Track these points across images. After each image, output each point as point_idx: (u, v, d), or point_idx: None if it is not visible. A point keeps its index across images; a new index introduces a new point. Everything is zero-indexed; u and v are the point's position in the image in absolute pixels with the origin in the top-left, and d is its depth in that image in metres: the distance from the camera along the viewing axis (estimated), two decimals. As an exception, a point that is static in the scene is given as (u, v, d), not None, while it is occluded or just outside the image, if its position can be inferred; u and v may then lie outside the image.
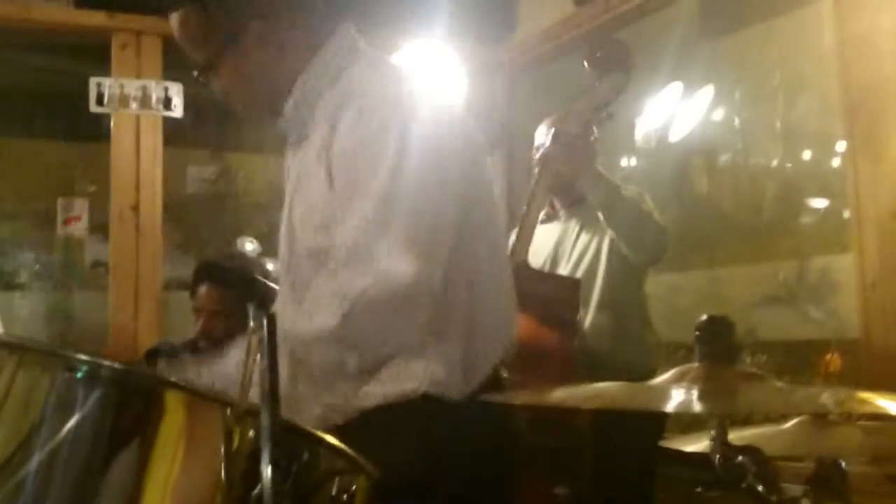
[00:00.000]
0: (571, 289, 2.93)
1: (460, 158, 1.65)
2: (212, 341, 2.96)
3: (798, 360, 3.40)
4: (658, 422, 2.82)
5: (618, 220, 2.90)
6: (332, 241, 1.56)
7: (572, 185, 3.02)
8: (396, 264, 1.49)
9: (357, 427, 1.51)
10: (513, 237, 2.99)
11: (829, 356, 3.20)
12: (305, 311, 1.56)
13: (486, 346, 1.67)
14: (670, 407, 1.38)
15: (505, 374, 1.69)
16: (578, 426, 2.72)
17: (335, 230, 1.56)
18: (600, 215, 2.93)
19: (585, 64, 3.02)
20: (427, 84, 1.74)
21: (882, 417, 1.88)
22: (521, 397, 1.63)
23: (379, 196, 1.52)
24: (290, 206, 1.73)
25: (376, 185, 1.53)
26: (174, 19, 1.73)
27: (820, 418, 1.70)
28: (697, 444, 1.64)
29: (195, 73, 1.76)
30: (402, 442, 1.49)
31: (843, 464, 1.65)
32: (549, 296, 2.87)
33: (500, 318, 1.72)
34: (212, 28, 1.71)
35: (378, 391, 1.56)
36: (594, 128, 3.09)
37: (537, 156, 3.07)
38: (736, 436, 1.56)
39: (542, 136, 3.16)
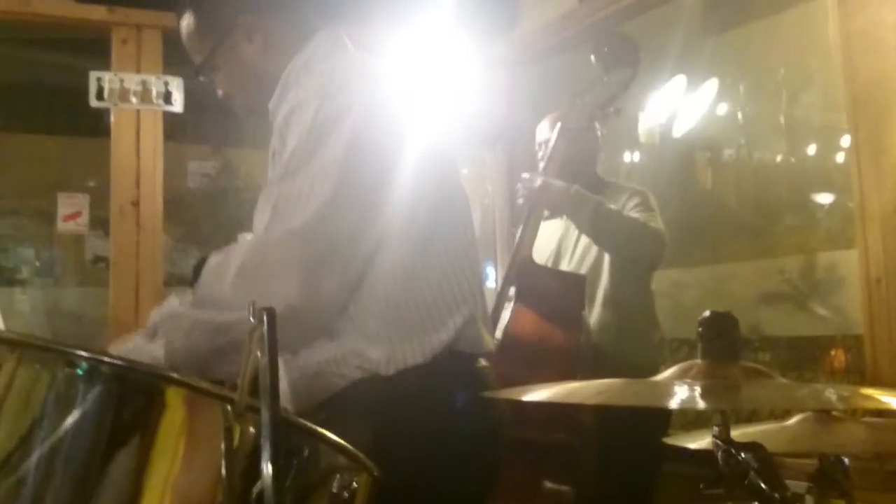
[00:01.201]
0: (576, 285, 2.92)
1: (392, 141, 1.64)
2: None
3: (802, 355, 3.40)
4: (662, 418, 2.82)
5: (607, 239, 2.92)
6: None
7: (577, 180, 3.01)
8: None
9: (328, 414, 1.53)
10: (517, 234, 2.99)
11: (833, 352, 3.20)
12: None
13: (429, 315, 1.64)
14: (673, 403, 1.37)
15: (483, 363, 1.67)
16: (582, 422, 2.72)
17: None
18: (591, 238, 2.94)
19: (592, 59, 3.01)
20: (411, 83, 1.76)
21: (886, 413, 1.88)
22: (525, 393, 1.62)
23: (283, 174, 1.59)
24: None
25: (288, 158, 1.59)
26: (181, 24, 1.84)
27: (823, 415, 1.69)
28: (701, 441, 1.63)
29: (199, 76, 1.85)
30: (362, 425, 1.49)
31: (847, 460, 1.64)
32: (554, 292, 2.87)
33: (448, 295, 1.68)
34: (205, 27, 1.80)
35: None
36: (597, 123, 3.09)
37: (542, 151, 3.07)
38: (739, 432, 1.55)
39: (545, 131, 3.16)
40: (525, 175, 3.01)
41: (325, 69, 1.68)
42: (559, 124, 3.03)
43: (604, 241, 2.93)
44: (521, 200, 3.01)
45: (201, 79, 1.86)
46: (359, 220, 1.58)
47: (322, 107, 1.58)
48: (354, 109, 1.59)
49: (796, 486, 1.72)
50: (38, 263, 4.64)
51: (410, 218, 1.63)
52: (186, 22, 1.83)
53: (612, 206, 2.91)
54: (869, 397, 1.40)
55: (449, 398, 1.63)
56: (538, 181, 2.94)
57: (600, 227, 2.89)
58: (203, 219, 4.81)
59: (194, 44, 1.83)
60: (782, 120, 3.69)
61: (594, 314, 3.01)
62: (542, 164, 3.08)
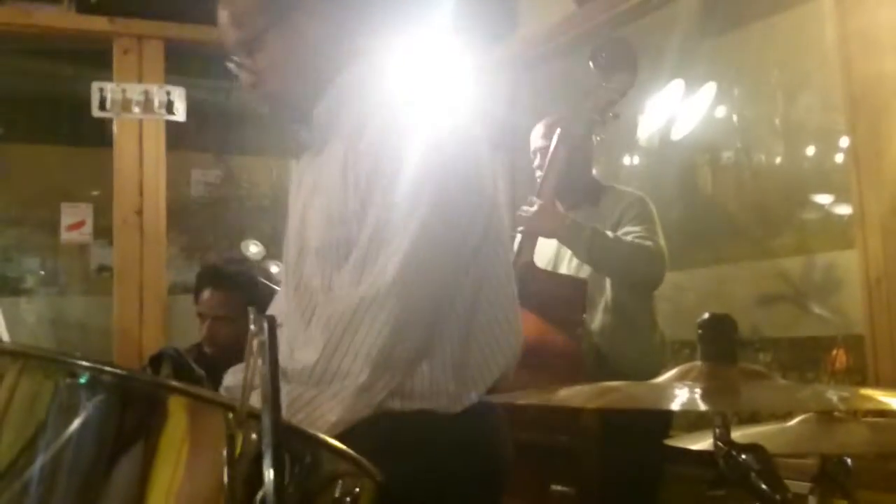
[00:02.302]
0: (578, 288, 2.93)
1: (479, 165, 1.65)
2: (217, 346, 2.97)
3: (803, 356, 3.40)
4: (663, 420, 2.82)
5: (605, 267, 2.94)
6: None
7: (575, 185, 3.02)
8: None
9: (357, 436, 1.51)
10: (518, 237, 2.99)
11: (834, 352, 3.20)
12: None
13: (484, 356, 1.64)
14: (673, 405, 1.38)
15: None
16: (584, 425, 2.72)
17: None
18: (589, 266, 2.95)
19: (591, 64, 3.02)
20: (439, 93, 1.77)
21: (888, 413, 1.88)
22: (526, 397, 1.62)
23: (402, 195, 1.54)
24: (304, 210, 1.72)
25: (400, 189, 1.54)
26: None
27: (825, 415, 1.70)
28: (703, 443, 1.64)
29: (238, 53, 1.71)
30: (398, 452, 1.48)
31: (849, 461, 1.65)
32: (556, 295, 2.87)
33: (503, 327, 1.68)
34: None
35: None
36: (598, 128, 3.10)
37: (538, 158, 3.08)
38: (741, 433, 1.56)
39: (538, 136, 3.17)
40: (524, 207, 3.03)
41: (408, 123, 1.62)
42: (559, 131, 3.03)
43: (602, 269, 2.95)
44: (519, 230, 3.01)
45: (234, 59, 1.72)
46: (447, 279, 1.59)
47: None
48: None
49: (799, 486, 1.73)
50: (42, 273, 4.65)
51: (467, 272, 1.63)
52: None
53: (609, 234, 2.91)
54: (869, 398, 1.40)
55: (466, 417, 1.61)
56: (535, 206, 2.95)
57: (597, 256, 2.90)
58: (206, 227, 4.82)
59: (245, 14, 1.68)
60: (781, 122, 3.70)
61: (596, 318, 3.01)
62: (538, 172, 3.08)
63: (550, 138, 3.06)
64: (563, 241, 2.97)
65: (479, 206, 1.63)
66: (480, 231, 1.63)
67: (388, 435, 1.49)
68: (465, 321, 1.62)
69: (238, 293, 2.96)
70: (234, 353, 2.90)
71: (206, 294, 3.01)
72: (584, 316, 2.90)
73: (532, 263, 2.98)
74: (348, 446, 1.11)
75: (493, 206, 1.67)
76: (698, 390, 1.38)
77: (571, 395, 1.53)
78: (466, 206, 1.61)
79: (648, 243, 2.91)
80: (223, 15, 1.71)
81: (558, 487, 2.64)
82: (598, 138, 3.13)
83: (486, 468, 1.63)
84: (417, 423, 1.54)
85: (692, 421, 2.79)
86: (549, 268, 3.13)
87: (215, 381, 2.81)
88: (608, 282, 3.02)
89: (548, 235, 2.99)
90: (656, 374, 1.74)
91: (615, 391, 1.48)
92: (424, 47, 3.81)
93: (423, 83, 1.76)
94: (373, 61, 1.74)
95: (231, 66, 1.73)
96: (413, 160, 1.55)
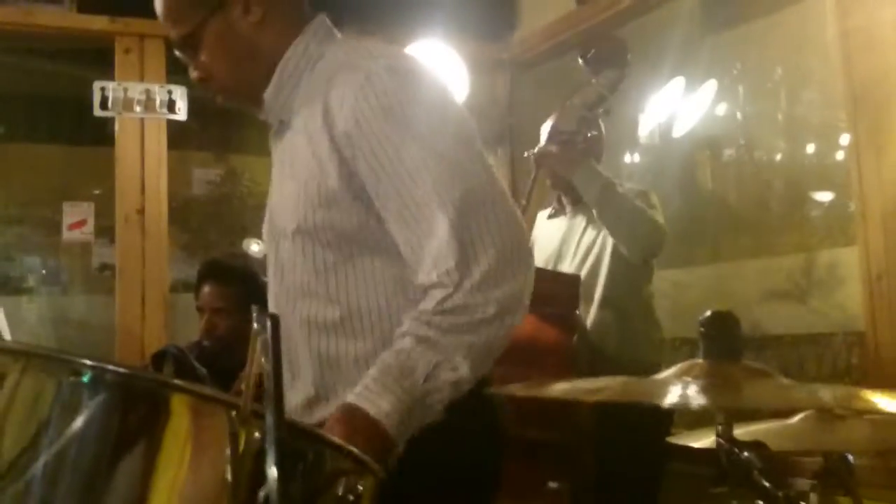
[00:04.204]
0: (570, 285, 2.94)
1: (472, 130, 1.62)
2: (215, 339, 2.97)
3: (805, 353, 3.39)
4: (666, 417, 2.83)
5: (610, 216, 2.92)
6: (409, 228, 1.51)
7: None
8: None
9: None
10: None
11: (836, 349, 3.20)
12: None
13: None
14: (673, 402, 1.38)
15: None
16: (585, 422, 2.73)
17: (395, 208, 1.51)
18: (594, 211, 2.95)
19: (580, 62, 3.04)
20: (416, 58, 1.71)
21: (888, 411, 1.88)
22: (523, 391, 1.63)
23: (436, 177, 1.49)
24: (277, 193, 1.70)
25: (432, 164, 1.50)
26: None
27: (827, 412, 1.70)
28: (705, 440, 1.64)
29: (179, 50, 1.71)
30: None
31: (851, 457, 1.65)
32: (548, 292, 2.87)
33: None
34: None
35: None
36: (600, 123, 3.10)
37: (533, 153, 3.09)
38: (743, 431, 1.56)
39: (544, 133, 3.18)
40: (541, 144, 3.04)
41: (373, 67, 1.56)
42: (549, 127, 3.05)
43: (607, 219, 2.94)
44: (531, 154, 3.02)
45: (178, 54, 1.72)
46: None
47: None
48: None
49: (801, 483, 1.73)
50: (44, 272, 4.65)
51: None
52: None
53: (620, 190, 2.92)
54: (866, 399, 1.40)
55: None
56: (555, 147, 2.97)
57: (605, 203, 2.91)
58: (208, 225, 4.82)
59: (181, 12, 1.67)
60: (782, 119, 3.70)
61: (592, 314, 3.01)
62: (532, 167, 3.10)
63: None
64: (579, 178, 2.96)
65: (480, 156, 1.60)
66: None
67: None
68: None
69: (236, 286, 2.96)
70: (232, 345, 2.92)
71: (205, 288, 3.01)
72: (578, 312, 2.90)
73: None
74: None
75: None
76: (698, 387, 1.39)
77: (569, 389, 1.54)
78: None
79: (652, 213, 2.93)
80: (159, 11, 1.71)
81: (554, 485, 2.64)
82: (602, 134, 3.14)
83: (481, 456, 1.63)
84: None
85: (695, 418, 2.80)
86: (553, 262, 3.14)
87: (215, 375, 2.83)
88: (603, 278, 3.02)
89: (566, 172, 2.98)
90: (653, 371, 1.74)
91: (613, 387, 1.49)
92: (423, 47, 3.82)
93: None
94: (319, 29, 1.71)
95: (180, 58, 1.72)
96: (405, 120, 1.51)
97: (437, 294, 1.46)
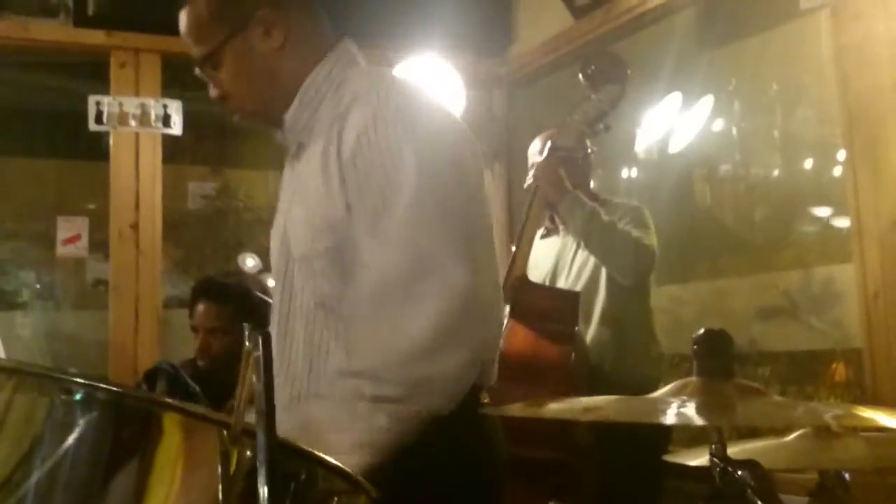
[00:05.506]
0: (570, 301, 2.94)
1: (474, 168, 1.64)
2: (210, 358, 2.96)
3: (802, 370, 3.39)
4: (662, 435, 2.82)
5: (595, 245, 2.95)
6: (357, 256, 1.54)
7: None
8: (459, 275, 1.48)
9: None
10: (512, 251, 3.00)
11: (833, 366, 3.19)
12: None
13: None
14: (667, 420, 1.38)
15: (486, 399, 1.66)
16: (582, 440, 2.72)
17: (364, 249, 1.53)
18: (581, 240, 2.97)
19: (580, 77, 3.04)
20: (429, 93, 1.72)
21: (884, 428, 1.87)
22: (521, 410, 1.62)
23: (407, 215, 1.50)
24: (287, 215, 1.71)
25: (403, 202, 1.51)
26: (183, 10, 1.71)
27: (822, 430, 1.69)
28: (701, 458, 1.63)
29: (199, 68, 1.72)
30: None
31: (847, 475, 1.65)
32: (547, 309, 2.88)
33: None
34: (219, 14, 1.68)
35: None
36: (589, 141, 3.11)
37: (533, 170, 3.09)
38: (738, 448, 1.55)
39: (535, 151, 3.18)
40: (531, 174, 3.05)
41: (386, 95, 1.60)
42: (549, 143, 3.05)
43: (591, 247, 2.97)
44: (530, 180, 3.04)
45: (197, 72, 1.73)
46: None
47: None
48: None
49: (797, 501, 1.72)
50: (38, 287, 4.64)
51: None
52: (195, 6, 1.69)
53: (606, 218, 2.93)
54: (863, 417, 1.40)
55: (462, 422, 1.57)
56: (551, 170, 2.98)
57: (589, 231, 2.93)
58: (203, 240, 4.82)
59: (202, 32, 1.69)
60: (778, 135, 3.70)
61: (591, 331, 3.01)
62: (531, 184, 3.10)
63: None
64: (563, 209, 2.98)
65: (471, 199, 1.61)
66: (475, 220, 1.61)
67: None
68: None
69: (231, 305, 2.95)
70: (227, 365, 2.91)
71: (199, 307, 3.01)
72: (577, 329, 2.90)
73: (524, 277, 2.99)
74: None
75: (482, 204, 1.65)
76: (693, 406, 1.38)
77: (564, 408, 1.53)
78: (460, 190, 1.59)
79: (637, 235, 2.93)
80: (182, 30, 1.72)
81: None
82: (592, 151, 3.14)
83: (481, 472, 1.62)
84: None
85: (692, 436, 2.79)
86: (548, 279, 3.14)
87: (210, 395, 2.82)
88: (602, 294, 3.02)
89: (552, 199, 2.99)
90: (653, 387, 1.74)
91: (608, 406, 1.48)
92: (420, 63, 3.83)
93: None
94: (343, 56, 1.73)
95: (200, 76, 1.73)
96: (402, 154, 1.53)
97: None
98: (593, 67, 3.03)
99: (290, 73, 1.69)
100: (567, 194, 2.95)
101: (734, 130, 3.89)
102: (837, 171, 3.28)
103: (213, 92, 1.74)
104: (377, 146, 1.54)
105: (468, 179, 1.61)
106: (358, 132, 1.55)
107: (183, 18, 1.71)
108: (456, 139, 1.64)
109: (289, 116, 1.70)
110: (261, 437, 0.93)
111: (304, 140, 1.70)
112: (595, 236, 2.92)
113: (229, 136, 4.55)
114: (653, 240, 2.97)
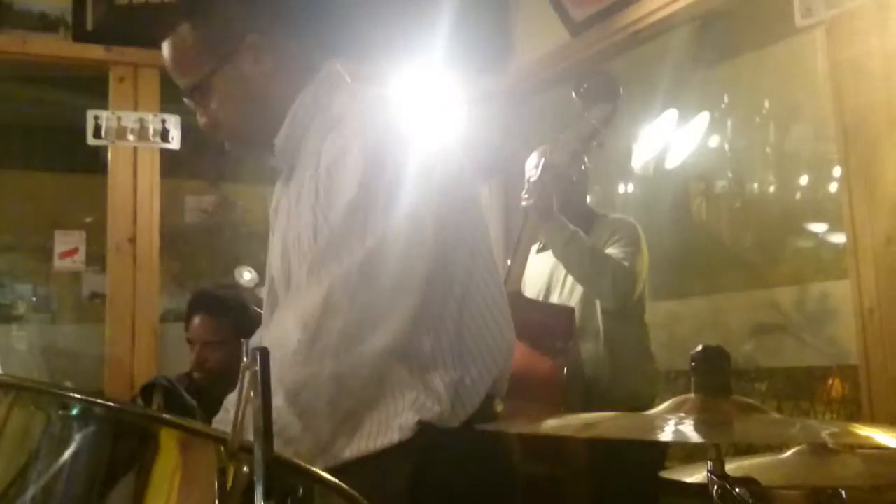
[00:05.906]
0: (564, 317, 2.94)
1: (442, 181, 1.59)
2: (206, 371, 2.95)
3: (799, 386, 3.39)
4: (659, 452, 2.81)
5: (575, 270, 2.98)
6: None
7: (569, 214, 3.03)
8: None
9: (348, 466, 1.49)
10: (507, 266, 3.01)
11: (829, 382, 3.20)
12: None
13: (478, 374, 1.61)
14: (665, 437, 1.37)
15: (499, 408, 1.66)
16: (578, 456, 2.71)
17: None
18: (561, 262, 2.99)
19: (574, 95, 3.06)
20: (415, 112, 1.72)
21: (881, 446, 1.87)
22: (518, 426, 1.62)
23: (339, 223, 1.51)
24: (284, 238, 1.70)
25: (340, 203, 1.52)
26: (167, 42, 1.68)
27: (819, 447, 1.69)
28: (698, 475, 1.63)
29: (188, 98, 1.70)
30: (396, 478, 1.47)
31: (844, 492, 1.64)
32: (542, 324, 2.88)
33: (493, 346, 1.65)
34: (207, 44, 1.65)
35: (361, 446, 1.51)
36: (585, 158, 3.12)
37: (527, 186, 3.10)
38: (735, 465, 1.55)
39: (531, 166, 3.19)
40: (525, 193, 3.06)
41: (356, 110, 1.61)
42: (542, 160, 3.06)
43: (572, 272, 3.02)
44: (524, 202, 3.05)
45: (186, 101, 1.71)
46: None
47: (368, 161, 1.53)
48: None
49: (793, 518, 1.72)
50: (34, 300, 4.64)
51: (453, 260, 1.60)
52: (180, 37, 1.66)
53: (587, 242, 2.94)
54: (860, 435, 1.40)
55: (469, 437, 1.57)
56: (543, 190, 2.99)
57: (568, 256, 2.96)
58: (200, 254, 4.82)
59: (189, 61, 1.66)
60: (774, 151, 3.72)
61: (587, 347, 3.01)
62: (523, 203, 3.11)
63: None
64: (545, 233, 3.02)
65: (470, 224, 1.62)
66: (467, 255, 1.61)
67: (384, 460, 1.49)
68: (455, 339, 1.60)
69: (227, 318, 2.94)
70: (223, 378, 2.90)
71: (196, 320, 3.00)
72: (572, 344, 2.90)
73: (519, 292, 3.00)
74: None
75: (479, 223, 1.65)
76: (690, 422, 1.38)
77: (561, 425, 1.53)
78: (458, 214, 1.60)
79: (618, 258, 2.95)
80: (167, 61, 1.70)
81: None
82: (585, 167, 3.15)
83: (488, 484, 1.62)
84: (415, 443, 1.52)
85: (689, 452, 2.79)
86: (542, 294, 3.14)
87: (206, 409, 2.81)
88: (599, 311, 3.03)
89: (537, 221, 3.01)
90: (649, 404, 1.74)
91: (604, 422, 1.48)
92: (419, 78, 3.83)
93: (415, 114, 1.73)
94: (329, 77, 1.71)
95: (189, 106, 1.72)
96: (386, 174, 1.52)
97: None
98: (586, 86, 3.05)
99: (279, 96, 1.68)
100: (550, 218, 2.96)
101: (729, 147, 3.91)
102: (833, 188, 3.30)
103: (202, 120, 1.72)
104: (344, 166, 1.54)
105: (427, 195, 1.57)
106: (334, 154, 1.55)
107: (167, 49, 1.69)
108: (419, 154, 1.60)
109: (279, 141, 1.69)
110: (258, 453, 0.93)
111: (295, 163, 1.70)
112: (574, 261, 2.95)
113: (227, 151, 4.55)
114: (639, 260, 2.98)
